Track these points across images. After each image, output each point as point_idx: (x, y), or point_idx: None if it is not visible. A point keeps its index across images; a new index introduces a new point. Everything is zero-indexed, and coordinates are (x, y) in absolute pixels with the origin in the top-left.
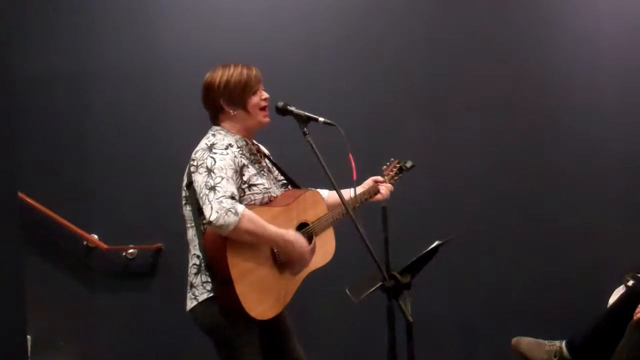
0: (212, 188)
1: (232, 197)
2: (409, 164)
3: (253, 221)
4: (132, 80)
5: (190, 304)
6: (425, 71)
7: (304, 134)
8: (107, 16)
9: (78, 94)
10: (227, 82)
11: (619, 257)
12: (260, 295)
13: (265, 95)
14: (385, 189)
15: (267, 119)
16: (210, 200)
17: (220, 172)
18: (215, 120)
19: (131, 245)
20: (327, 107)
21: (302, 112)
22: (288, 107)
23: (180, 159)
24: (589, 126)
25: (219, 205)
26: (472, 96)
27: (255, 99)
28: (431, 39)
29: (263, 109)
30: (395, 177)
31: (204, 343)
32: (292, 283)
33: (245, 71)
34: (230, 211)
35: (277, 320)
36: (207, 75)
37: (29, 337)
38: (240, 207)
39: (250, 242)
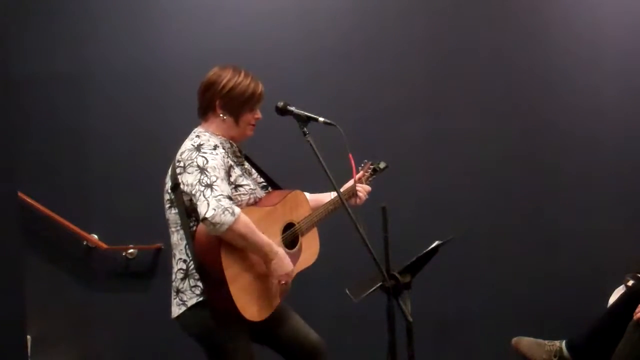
0: (209, 186)
1: (230, 198)
2: (382, 165)
3: (247, 225)
4: (132, 80)
5: (178, 310)
6: (425, 71)
7: (304, 134)
8: (107, 16)
9: (78, 94)
10: (232, 88)
11: (619, 257)
12: (253, 297)
13: (258, 115)
14: (361, 188)
15: (251, 133)
16: (207, 197)
17: (214, 171)
18: (203, 116)
19: (131, 245)
20: (327, 107)
21: (302, 112)
22: (288, 107)
23: None
24: (589, 126)
25: (217, 203)
26: (472, 96)
27: (248, 116)
28: (431, 39)
29: (252, 125)
30: (370, 179)
31: None
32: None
33: (252, 86)
34: (228, 210)
35: (273, 318)
36: (215, 72)
37: (29, 337)
38: (238, 209)
39: (239, 245)
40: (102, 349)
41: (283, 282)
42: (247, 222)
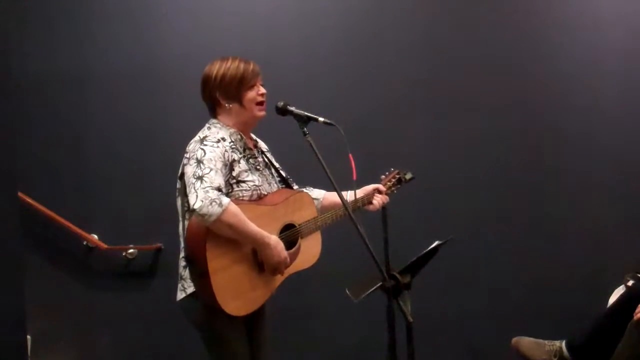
0: (200, 177)
1: (219, 189)
2: (408, 176)
3: (236, 216)
4: (132, 80)
5: (180, 295)
6: (425, 71)
7: (304, 134)
8: (107, 16)
9: (78, 94)
10: (224, 75)
11: (619, 257)
12: (236, 292)
13: (262, 90)
14: (379, 199)
15: (262, 113)
16: (196, 188)
17: (210, 163)
18: (213, 113)
19: (131, 245)
20: (327, 107)
21: (302, 112)
22: (288, 107)
23: (179, 159)
24: (589, 126)
25: (205, 195)
26: (472, 96)
27: (251, 94)
28: (431, 39)
29: (260, 103)
30: (393, 188)
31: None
32: (271, 283)
33: (242, 65)
34: (215, 202)
35: (258, 320)
36: (205, 69)
37: (29, 337)
38: (226, 200)
39: (229, 236)
40: (102, 349)
41: (276, 270)
42: (235, 213)
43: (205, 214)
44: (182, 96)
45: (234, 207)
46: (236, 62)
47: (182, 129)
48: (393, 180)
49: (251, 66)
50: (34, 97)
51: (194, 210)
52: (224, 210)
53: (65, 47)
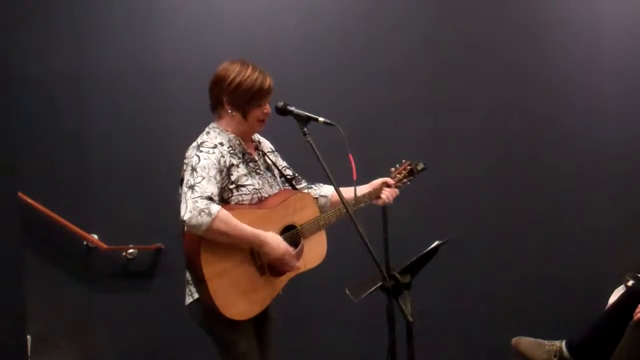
0: (191, 187)
1: (209, 198)
2: (420, 167)
3: (226, 222)
4: (132, 81)
5: (188, 299)
6: (425, 71)
7: (304, 134)
8: (107, 16)
9: (78, 94)
10: (238, 85)
11: (619, 257)
12: (236, 296)
13: (267, 109)
14: (388, 193)
15: (261, 128)
16: (186, 199)
17: (203, 171)
18: (214, 112)
19: (131, 245)
20: (327, 107)
21: (302, 112)
22: (288, 107)
23: (179, 159)
24: (589, 127)
25: (193, 205)
26: (472, 96)
27: (256, 112)
28: (431, 39)
29: (261, 120)
30: (404, 180)
31: (204, 343)
32: (273, 285)
33: (259, 80)
34: (204, 212)
35: (265, 322)
36: (223, 67)
37: (29, 337)
38: (215, 208)
39: (226, 242)
40: (102, 349)
41: (284, 265)
42: (226, 219)
43: (195, 225)
44: (182, 96)
45: (223, 214)
46: (255, 75)
47: (182, 129)
48: (404, 172)
49: (267, 83)
50: (34, 97)
51: (183, 221)
52: (213, 219)
53: (65, 47)
